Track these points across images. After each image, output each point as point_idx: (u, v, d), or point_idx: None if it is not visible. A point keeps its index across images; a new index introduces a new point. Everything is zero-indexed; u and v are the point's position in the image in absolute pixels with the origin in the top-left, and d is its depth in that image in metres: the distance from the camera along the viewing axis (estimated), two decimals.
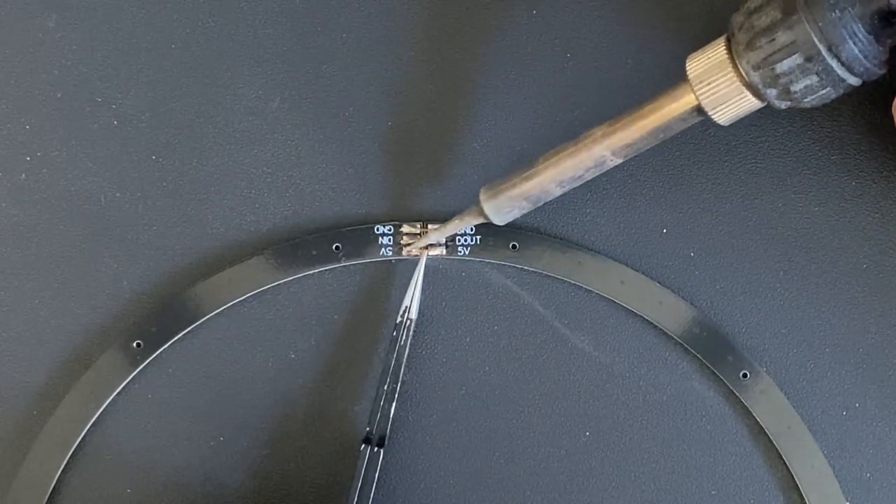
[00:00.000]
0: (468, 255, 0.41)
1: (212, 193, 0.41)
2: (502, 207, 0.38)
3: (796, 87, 0.34)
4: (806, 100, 0.35)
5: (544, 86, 0.41)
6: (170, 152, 0.41)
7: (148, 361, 0.41)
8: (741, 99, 0.35)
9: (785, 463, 0.40)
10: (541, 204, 0.39)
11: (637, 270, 0.41)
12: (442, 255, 0.41)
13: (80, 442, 0.41)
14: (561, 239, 0.41)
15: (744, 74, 0.35)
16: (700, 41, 0.36)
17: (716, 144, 0.41)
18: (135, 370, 0.41)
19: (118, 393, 0.41)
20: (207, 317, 0.41)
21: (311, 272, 0.41)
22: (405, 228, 0.41)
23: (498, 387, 0.41)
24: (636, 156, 0.38)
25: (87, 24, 0.41)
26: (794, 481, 0.40)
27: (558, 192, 0.38)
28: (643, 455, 0.41)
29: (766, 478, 0.41)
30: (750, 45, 0.34)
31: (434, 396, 0.41)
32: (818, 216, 0.41)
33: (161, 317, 0.41)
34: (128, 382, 0.41)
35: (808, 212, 0.41)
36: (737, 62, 0.35)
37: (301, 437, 0.41)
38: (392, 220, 0.41)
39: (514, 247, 0.41)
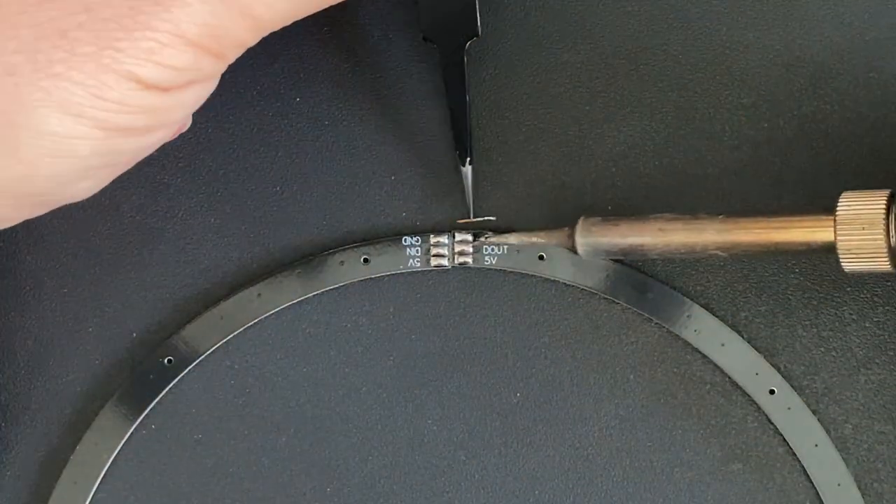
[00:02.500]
0: (495, 265, 0.41)
1: (239, 208, 0.42)
2: (597, 247, 0.38)
3: None
4: None
5: (571, 100, 0.41)
6: (197, 165, 0.42)
7: (179, 378, 0.41)
8: (877, 261, 0.34)
9: (811, 480, 0.40)
10: (626, 257, 0.39)
11: (664, 283, 0.41)
12: (468, 264, 0.41)
13: (114, 460, 0.41)
14: None
15: (892, 239, 0.34)
16: None
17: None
18: (166, 387, 0.41)
19: (150, 410, 0.41)
20: (236, 332, 0.41)
21: (340, 285, 0.41)
22: (433, 239, 0.41)
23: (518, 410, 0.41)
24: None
25: None
26: (820, 499, 0.40)
27: (652, 257, 0.38)
28: (662, 465, 0.41)
29: (791, 495, 0.40)
30: None
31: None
32: None
33: (191, 333, 0.41)
34: (159, 399, 0.41)
35: None
36: (890, 224, 0.34)
37: (333, 447, 0.41)
38: (420, 232, 0.41)
39: (541, 257, 0.41)
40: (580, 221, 0.39)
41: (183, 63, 0.32)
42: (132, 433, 0.41)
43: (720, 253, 0.37)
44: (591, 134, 0.41)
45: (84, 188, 0.35)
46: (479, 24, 0.39)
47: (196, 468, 0.42)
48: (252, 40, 0.34)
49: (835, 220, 0.35)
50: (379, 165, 0.41)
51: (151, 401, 0.41)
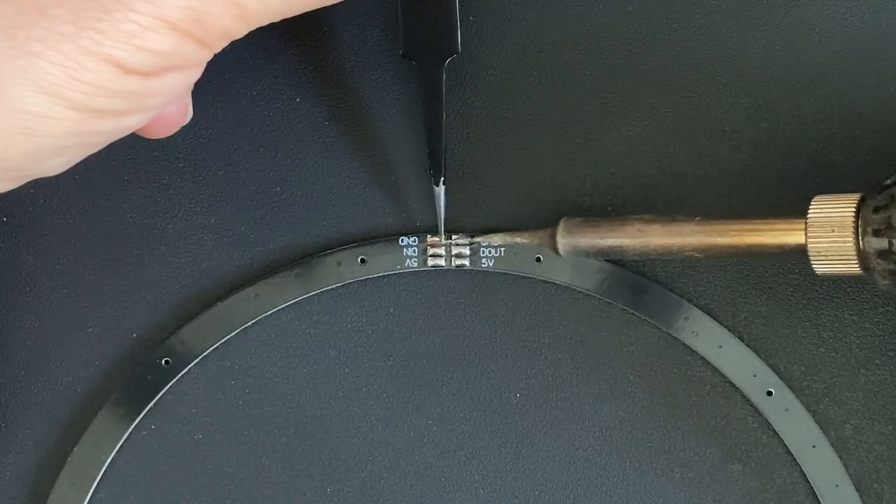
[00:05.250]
0: (492, 267, 0.41)
1: (239, 208, 0.42)
2: (577, 248, 0.39)
3: None
4: None
5: (566, 101, 0.41)
6: (197, 165, 0.42)
7: (176, 378, 0.41)
8: (847, 264, 0.35)
9: (808, 482, 0.40)
10: (606, 258, 0.39)
11: (661, 285, 0.41)
12: (465, 266, 0.41)
13: (112, 460, 0.42)
14: None
15: (861, 242, 0.34)
16: None
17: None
18: (165, 387, 0.41)
19: (148, 410, 0.41)
20: (234, 333, 0.41)
21: (338, 285, 0.41)
22: (430, 240, 0.41)
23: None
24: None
25: None
26: (818, 500, 0.40)
27: (631, 258, 0.39)
28: (661, 466, 0.41)
29: (791, 496, 0.40)
30: (877, 233, 0.34)
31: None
32: None
33: (189, 333, 0.41)
34: (158, 399, 0.41)
35: None
36: (860, 227, 0.34)
37: (331, 447, 0.41)
38: (416, 232, 0.41)
39: (538, 259, 0.41)
40: (561, 222, 0.39)
41: (164, 48, 0.31)
42: (130, 433, 0.42)
43: (696, 254, 0.37)
44: (591, 134, 0.41)
45: (57, 164, 0.34)
46: (459, 42, 0.38)
47: (194, 468, 0.42)
48: (239, 30, 0.33)
49: (806, 224, 0.35)
50: (377, 166, 0.41)
51: (150, 401, 0.41)
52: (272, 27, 0.41)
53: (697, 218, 0.37)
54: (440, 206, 0.40)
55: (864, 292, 0.40)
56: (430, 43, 0.38)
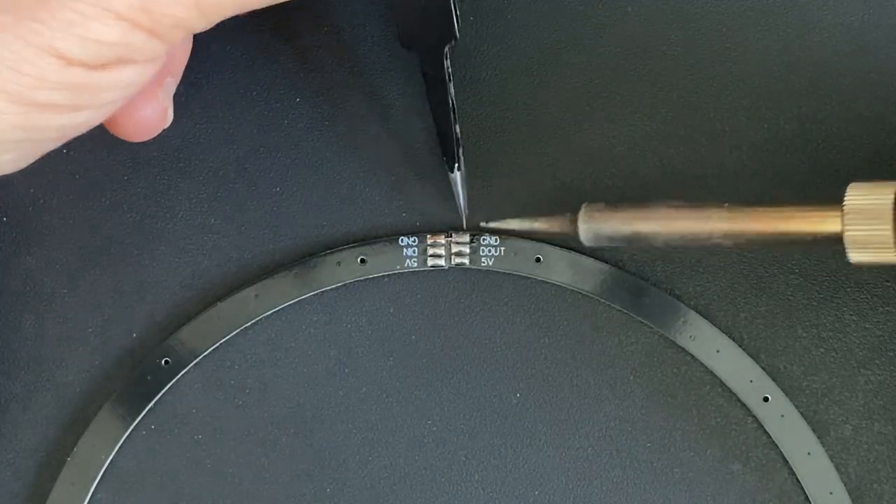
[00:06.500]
0: (492, 267, 0.41)
1: (238, 208, 0.42)
2: (600, 234, 0.38)
3: None
4: None
5: (567, 101, 0.41)
6: (197, 165, 0.42)
7: (176, 378, 0.41)
8: (884, 252, 0.34)
9: (803, 489, 0.40)
10: (630, 245, 0.38)
11: (660, 287, 0.41)
12: (465, 266, 0.41)
13: (112, 460, 0.42)
14: (586, 254, 0.41)
15: None
16: None
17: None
18: (164, 387, 0.41)
19: (148, 410, 0.41)
20: (234, 333, 0.41)
21: (337, 285, 0.41)
22: (429, 240, 0.41)
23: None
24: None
25: None
26: None
27: (657, 245, 0.37)
28: (661, 466, 0.41)
29: (791, 496, 0.40)
30: None
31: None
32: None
33: (188, 334, 0.41)
34: (157, 399, 0.41)
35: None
36: None
37: (331, 447, 0.42)
38: (416, 232, 0.41)
39: (538, 259, 0.41)
40: (583, 207, 0.38)
41: (110, 38, 0.30)
42: (130, 433, 0.41)
43: (725, 242, 0.36)
44: (591, 134, 0.41)
45: (7, 161, 0.32)
46: (456, 28, 0.38)
47: (194, 469, 0.42)
48: (195, 21, 0.32)
49: (842, 211, 0.34)
50: (377, 166, 0.41)
51: (149, 401, 0.41)
52: (272, 27, 0.41)
53: (727, 204, 0.36)
54: (459, 194, 0.40)
55: (864, 293, 0.40)
56: (427, 31, 0.38)
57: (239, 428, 0.42)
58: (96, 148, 0.42)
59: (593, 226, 0.38)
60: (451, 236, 0.41)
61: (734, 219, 0.36)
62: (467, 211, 0.40)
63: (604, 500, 0.41)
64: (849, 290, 0.40)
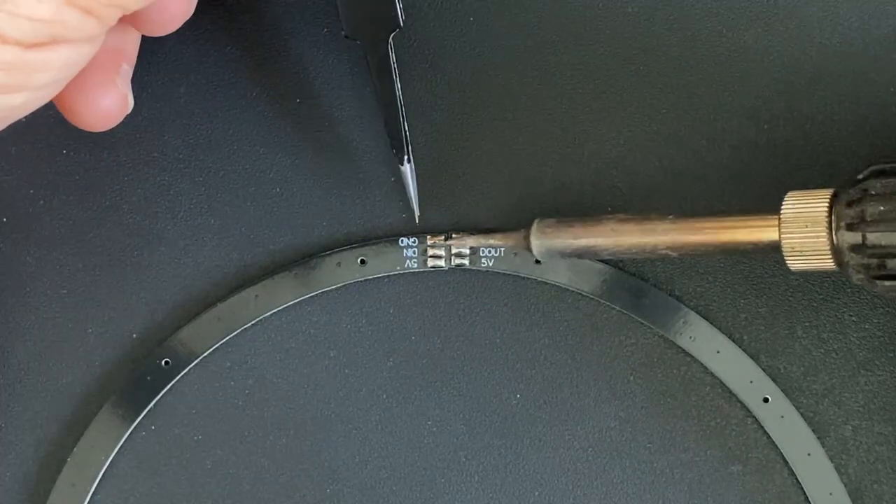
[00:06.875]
0: (492, 267, 0.41)
1: (239, 209, 0.42)
2: (552, 248, 0.38)
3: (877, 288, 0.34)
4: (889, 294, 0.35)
5: (567, 101, 0.41)
6: (197, 165, 0.42)
7: (176, 379, 0.41)
8: (821, 260, 0.34)
9: (803, 489, 0.40)
10: (581, 258, 0.39)
11: (660, 288, 0.41)
12: (465, 266, 0.41)
13: (112, 461, 0.42)
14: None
15: (834, 239, 0.34)
16: None
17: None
18: (164, 388, 0.41)
19: (148, 411, 0.41)
20: (234, 334, 0.41)
21: (337, 286, 0.41)
22: (430, 241, 0.41)
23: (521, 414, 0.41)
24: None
25: None
26: None
27: (605, 257, 0.38)
28: (661, 466, 0.41)
29: (792, 496, 0.40)
30: (850, 227, 0.34)
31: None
32: None
33: (188, 334, 0.41)
34: (157, 400, 0.42)
35: None
36: (833, 222, 0.34)
37: (331, 448, 0.42)
38: (416, 233, 0.41)
39: (538, 260, 0.41)
40: (535, 223, 0.39)
41: (42, 14, 0.29)
42: (130, 434, 0.41)
43: (671, 253, 0.37)
44: (590, 134, 0.41)
45: None
46: (400, 17, 0.38)
47: (194, 469, 0.42)
48: (134, 2, 0.31)
49: (779, 220, 0.35)
50: (377, 166, 0.41)
51: (149, 402, 0.41)
52: (272, 27, 0.41)
53: (671, 216, 0.37)
54: (409, 187, 0.40)
55: (864, 293, 0.40)
56: (371, 20, 0.38)
57: (239, 428, 0.42)
58: (96, 148, 0.42)
59: (545, 241, 0.38)
60: (451, 237, 0.41)
61: (678, 230, 0.36)
62: (419, 211, 0.40)
63: (604, 500, 0.41)
64: (849, 290, 0.40)
